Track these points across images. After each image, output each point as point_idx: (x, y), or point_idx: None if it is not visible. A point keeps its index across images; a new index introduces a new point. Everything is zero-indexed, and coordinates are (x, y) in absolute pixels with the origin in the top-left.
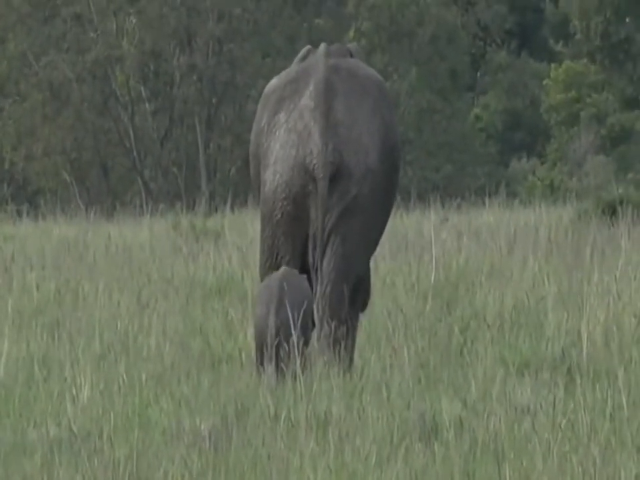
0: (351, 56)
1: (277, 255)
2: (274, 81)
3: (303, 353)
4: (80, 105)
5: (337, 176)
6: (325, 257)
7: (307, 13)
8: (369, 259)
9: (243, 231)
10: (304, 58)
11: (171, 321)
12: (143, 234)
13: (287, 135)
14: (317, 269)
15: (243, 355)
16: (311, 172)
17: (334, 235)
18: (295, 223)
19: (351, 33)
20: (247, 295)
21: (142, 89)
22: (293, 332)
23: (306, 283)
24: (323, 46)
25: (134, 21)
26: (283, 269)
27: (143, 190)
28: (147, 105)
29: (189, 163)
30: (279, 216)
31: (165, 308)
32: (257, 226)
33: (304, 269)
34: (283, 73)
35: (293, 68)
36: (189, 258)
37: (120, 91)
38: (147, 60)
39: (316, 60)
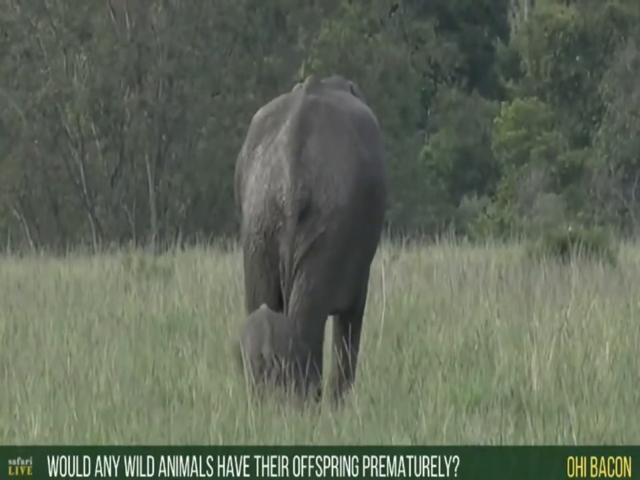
0: (352, 91)
1: (255, 288)
2: (259, 112)
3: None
4: (30, 142)
5: (305, 213)
6: (291, 294)
7: (256, 50)
8: (338, 296)
9: (193, 269)
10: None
11: (121, 359)
12: (93, 271)
13: (262, 168)
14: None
15: (194, 392)
16: (281, 208)
17: (299, 271)
18: (267, 257)
19: (301, 71)
20: (198, 332)
21: (92, 126)
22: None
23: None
24: (308, 80)
25: (84, 57)
26: (262, 307)
27: (94, 227)
28: (97, 142)
29: (139, 200)
30: (254, 250)
31: (115, 345)
32: (207, 263)
33: (280, 304)
34: (268, 104)
35: (277, 100)
36: (139, 295)
37: (70, 128)
38: (97, 97)
39: (297, 94)
